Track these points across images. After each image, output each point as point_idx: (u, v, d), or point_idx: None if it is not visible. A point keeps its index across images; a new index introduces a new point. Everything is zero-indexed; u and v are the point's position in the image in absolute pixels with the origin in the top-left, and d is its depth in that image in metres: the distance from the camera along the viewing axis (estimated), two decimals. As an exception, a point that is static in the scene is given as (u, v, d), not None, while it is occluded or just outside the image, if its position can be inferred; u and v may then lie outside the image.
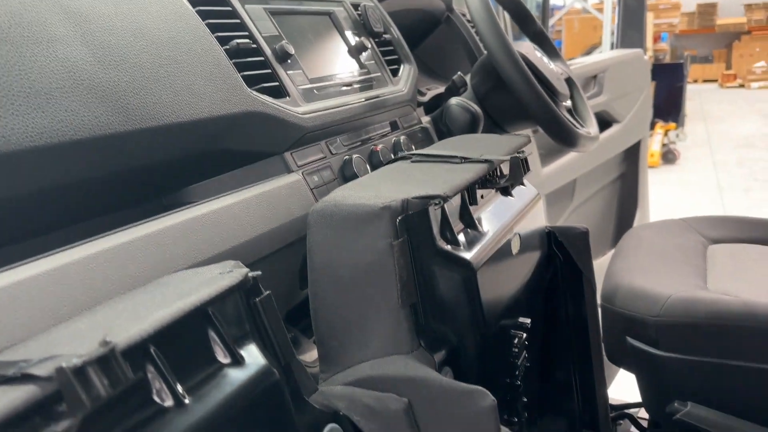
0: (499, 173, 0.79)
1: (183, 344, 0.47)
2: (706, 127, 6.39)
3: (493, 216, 0.74)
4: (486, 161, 0.75)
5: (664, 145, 5.14)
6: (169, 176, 0.70)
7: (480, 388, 0.56)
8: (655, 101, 5.49)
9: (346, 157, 0.88)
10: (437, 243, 0.62)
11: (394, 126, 1.05)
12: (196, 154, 0.69)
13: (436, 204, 0.62)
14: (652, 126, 5.29)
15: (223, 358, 0.49)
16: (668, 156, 5.09)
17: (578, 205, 1.93)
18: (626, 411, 1.27)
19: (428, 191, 0.63)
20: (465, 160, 0.75)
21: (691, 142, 5.61)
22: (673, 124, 5.45)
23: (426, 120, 1.14)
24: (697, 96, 7.88)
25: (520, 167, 0.75)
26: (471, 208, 0.71)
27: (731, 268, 1.20)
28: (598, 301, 1.13)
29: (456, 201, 0.70)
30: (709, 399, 1.01)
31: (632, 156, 2.23)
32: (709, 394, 1.01)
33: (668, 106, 5.59)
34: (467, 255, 0.64)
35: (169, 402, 0.43)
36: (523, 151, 0.81)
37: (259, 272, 0.53)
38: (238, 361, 0.50)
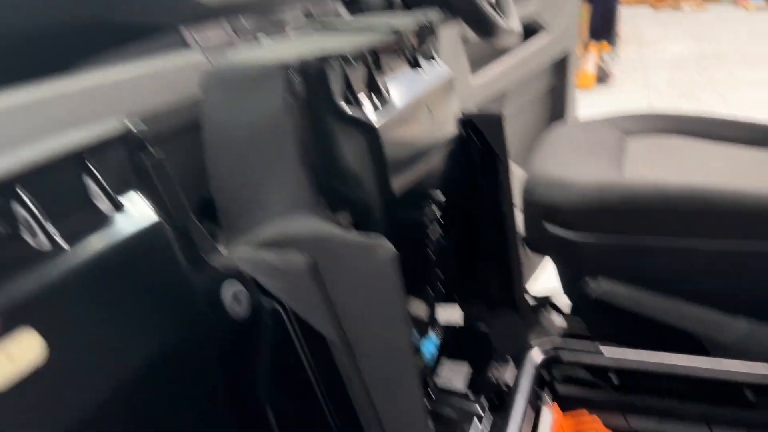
0: (410, 46, 0.78)
1: (59, 192, 0.44)
2: (640, 49, 6.49)
3: (402, 86, 0.73)
4: (394, 31, 0.73)
5: (599, 67, 5.21)
6: (51, 49, 0.65)
7: (381, 240, 0.56)
8: (590, 23, 5.52)
9: (256, 41, 0.84)
10: (337, 103, 0.60)
11: (308, 16, 1.01)
12: (80, 24, 0.65)
13: (335, 63, 0.60)
14: (587, 48, 5.34)
15: (106, 209, 0.47)
16: (602, 77, 5.17)
17: (508, 118, 1.95)
18: (547, 298, 1.32)
19: (329, 53, 0.61)
20: (372, 29, 0.73)
21: (626, 64, 5.70)
22: (606, 44, 5.51)
23: (344, 12, 1.11)
24: (630, 19, 7.95)
25: (426, 33, 0.73)
26: (378, 76, 0.69)
27: (647, 156, 1.24)
28: (520, 193, 1.16)
29: (363, 68, 0.68)
30: (621, 275, 1.06)
31: (561, 70, 2.26)
32: (620, 271, 1.06)
33: (603, 27, 5.63)
34: (370, 117, 0.63)
35: (45, 245, 0.42)
36: (431, 21, 0.79)
37: (145, 127, 0.51)
38: (123, 214, 0.48)
